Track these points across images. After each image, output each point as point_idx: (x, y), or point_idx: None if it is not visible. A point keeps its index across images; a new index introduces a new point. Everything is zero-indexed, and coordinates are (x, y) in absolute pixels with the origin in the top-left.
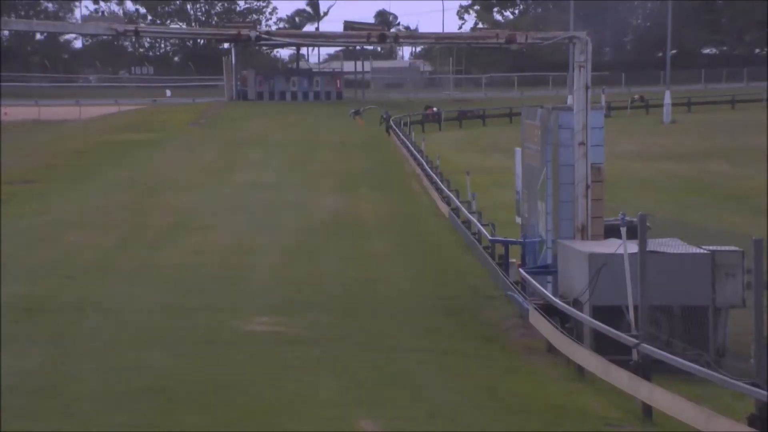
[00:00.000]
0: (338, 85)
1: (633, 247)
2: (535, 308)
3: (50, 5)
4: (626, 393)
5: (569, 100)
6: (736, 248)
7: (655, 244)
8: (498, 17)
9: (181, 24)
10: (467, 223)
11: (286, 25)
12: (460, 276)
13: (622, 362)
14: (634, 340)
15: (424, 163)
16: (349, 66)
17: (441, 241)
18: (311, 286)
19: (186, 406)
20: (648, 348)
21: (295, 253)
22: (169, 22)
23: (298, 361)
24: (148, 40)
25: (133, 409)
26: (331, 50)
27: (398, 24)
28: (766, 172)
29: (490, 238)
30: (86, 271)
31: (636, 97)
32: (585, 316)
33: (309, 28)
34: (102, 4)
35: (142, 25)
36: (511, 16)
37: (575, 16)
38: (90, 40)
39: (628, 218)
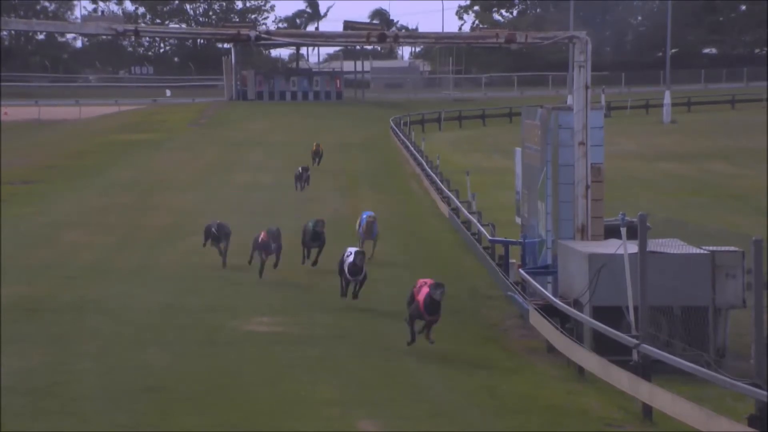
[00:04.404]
0: (338, 85)
1: (633, 247)
2: (535, 309)
3: (50, 5)
4: (626, 393)
5: (569, 100)
6: (736, 248)
7: (655, 245)
8: (497, 17)
9: (180, 24)
10: (467, 224)
11: (286, 25)
12: (460, 276)
13: (622, 362)
14: (634, 341)
15: (424, 164)
16: (349, 66)
17: (441, 241)
18: (311, 286)
19: (186, 406)
20: (648, 348)
21: (295, 253)
22: (168, 22)
23: (298, 361)
24: (146, 39)
25: (133, 409)
26: (331, 50)
27: (397, 22)
28: (766, 172)
29: (489, 238)
30: (86, 271)
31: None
32: (585, 317)
33: (309, 27)
34: (101, 3)
35: (142, 25)
36: (511, 16)
37: (575, 16)
38: (90, 40)
39: (628, 218)
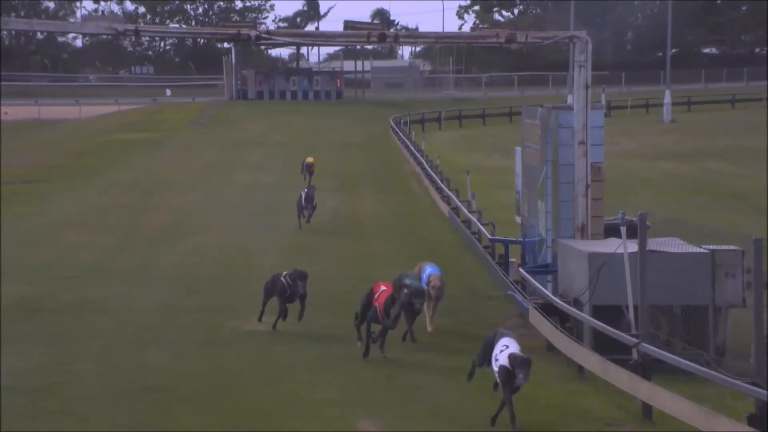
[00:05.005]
0: (338, 85)
1: (633, 246)
2: (535, 308)
3: (50, 5)
4: (626, 393)
5: (569, 100)
6: (736, 248)
7: (655, 244)
8: (497, 17)
9: (180, 24)
10: (467, 223)
11: (286, 25)
12: (460, 276)
13: (622, 362)
14: (634, 340)
15: (424, 163)
16: (349, 65)
17: (441, 240)
18: (311, 286)
19: (186, 406)
20: (648, 347)
21: (295, 253)
22: (168, 21)
23: (298, 361)
24: (146, 39)
25: (133, 408)
26: (331, 50)
27: (397, 24)
28: (766, 171)
29: (489, 237)
30: (86, 271)
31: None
32: (585, 316)
33: (309, 27)
34: (102, 3)
35: (142, 24)
36: (511, 16)
37: (575, 16)
38: (90, 40)
39: (627, 217)
